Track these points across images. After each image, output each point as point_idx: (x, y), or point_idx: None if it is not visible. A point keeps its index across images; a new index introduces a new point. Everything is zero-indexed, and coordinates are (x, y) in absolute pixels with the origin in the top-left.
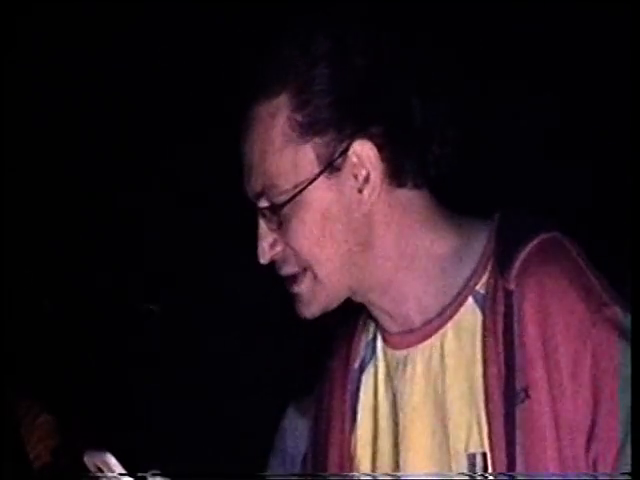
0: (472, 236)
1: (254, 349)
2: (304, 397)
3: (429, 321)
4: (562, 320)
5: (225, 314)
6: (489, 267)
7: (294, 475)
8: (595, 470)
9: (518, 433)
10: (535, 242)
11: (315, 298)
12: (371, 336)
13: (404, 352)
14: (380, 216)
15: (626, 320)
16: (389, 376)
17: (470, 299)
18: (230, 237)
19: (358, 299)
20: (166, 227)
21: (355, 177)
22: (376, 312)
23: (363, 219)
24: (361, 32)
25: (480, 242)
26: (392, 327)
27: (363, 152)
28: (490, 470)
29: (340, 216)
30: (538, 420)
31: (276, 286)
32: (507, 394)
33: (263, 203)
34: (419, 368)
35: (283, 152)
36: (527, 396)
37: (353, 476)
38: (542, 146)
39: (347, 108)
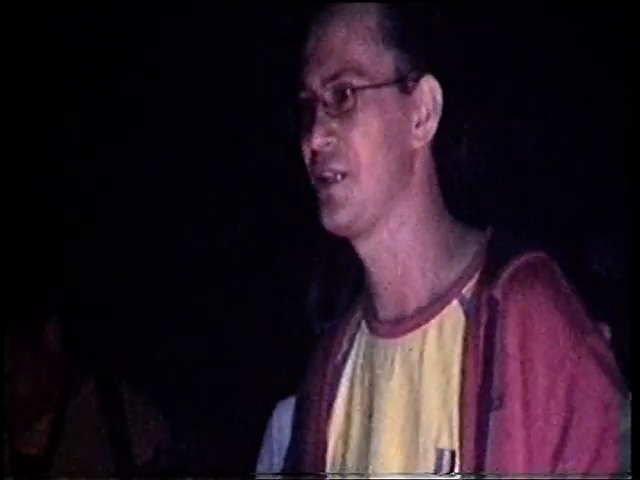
0: (465, 240)
1: (242, 348)
2: (291, 395)
3: (415, 314)
4: (544, 339)
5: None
6: (477, 274)
7: (292, 474)
8: None
9: (489, 439)
10: (525, 258)
11: (349, 203)
12: (355, 329)
13: (386, 341)
14: (420, 165)
15: (604, 348)
16: (368, 364)
17: (455, 301)
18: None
19: (366, 247)
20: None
21: (418, 110)
22: (374, 290)
23: (409, 156)
24: None
25: (471, 248)
26: (383, 311)
27: (434, 88)
28: (457, 469)
29: (395, 137)
30: (509, 429)
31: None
32: (482, 399)
33: (331, 87)
34: (398, 359)
35: (370, 46)
36: (502, 405)
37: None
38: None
39: (433, 37)
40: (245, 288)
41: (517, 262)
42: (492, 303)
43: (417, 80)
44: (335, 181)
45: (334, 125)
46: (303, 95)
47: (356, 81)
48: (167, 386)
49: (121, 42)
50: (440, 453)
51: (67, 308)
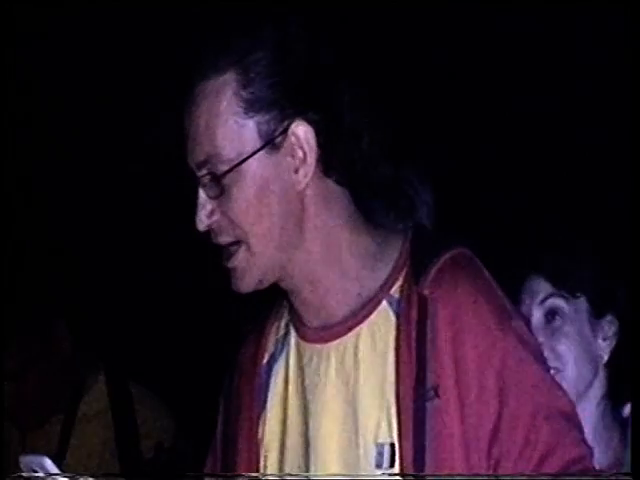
0: (387, 242)
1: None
2: None
3: (345, 319)
4: (472, 327)
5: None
6: (403, 274)
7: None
8: (496, 469)
9: (427, 429)
10: (449, 254)
11: (249, 271)
12: (282, 332)
13: (318, 346)
14: (311, 200)
15: (528, 332)
16: (301, 368)
17: (384, 302)
18: None
19: (285, 284)
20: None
21: (292, 157)
22: (298, 303)
23: (297, 199)
24: (305, 24)
25: (394, 250)
26: (311, 320)
27: (301, 134)
28: (397, 460)
29: (277, 192)
30: (445, 418)
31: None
32: (418, 391)
33: (204, 172)
34: (333, 362)
35: (228, 124)
36: (437, 395)
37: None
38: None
39: (286, 91)
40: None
41: (442, 259)
42: (421, 300)
43: (285, 132)
44: (231, 254)
45: (214, 205)
46: (191, 168)
47: (222, 166)
48: (174, 384)
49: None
50: (380, 448)
51: (75, 307)
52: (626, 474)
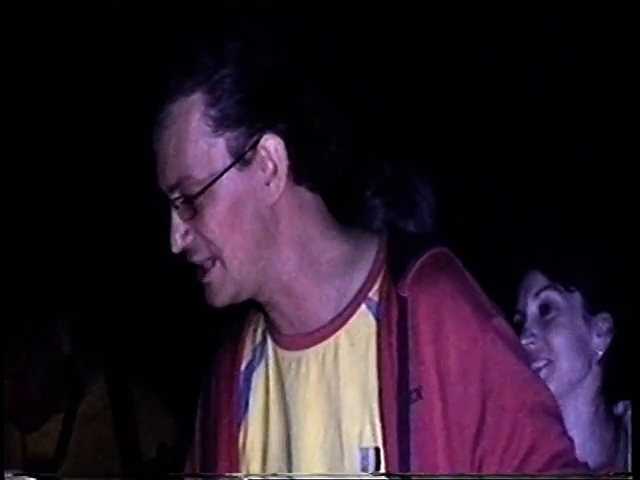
0: (363, 245)
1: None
2: None
3: (324, 325)
4: (453, 327)
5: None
6: (381, 275)
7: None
8: (480, 469)
9: (412, 431)
10: (428, 254)
11: (224, 287)
12: (259, 339)
13: (297, 353)
14: (284, 211)
15: (509, 328)
16: (280, 376)
17: (363, 306)
18: None
19: (261, 298)
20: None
21: (263, 170)
22: (274, 314)
23: (270, 211)
24: (268, 35)
25: (371, 252)
26: (287, 329)
27: (271, 147)
28: (383, 464)
29: (249, 207)
30: (429, 419)
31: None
32: (400, 394)
33: (177, 195)
34: (313, 368)
35: (198, 145)
36: (419, 396)
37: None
38: None
39: (254, 105)
40: None
41: (420, 259)
42: (401, 301)
43: (255, 146)
44: (206, 271)
45: (188, 226)
46: (163, 190)
47: (193, 188)
48: (176, 386)
49: None
50: (365, 452)
51: (78, 308)
52: (627, 474)
